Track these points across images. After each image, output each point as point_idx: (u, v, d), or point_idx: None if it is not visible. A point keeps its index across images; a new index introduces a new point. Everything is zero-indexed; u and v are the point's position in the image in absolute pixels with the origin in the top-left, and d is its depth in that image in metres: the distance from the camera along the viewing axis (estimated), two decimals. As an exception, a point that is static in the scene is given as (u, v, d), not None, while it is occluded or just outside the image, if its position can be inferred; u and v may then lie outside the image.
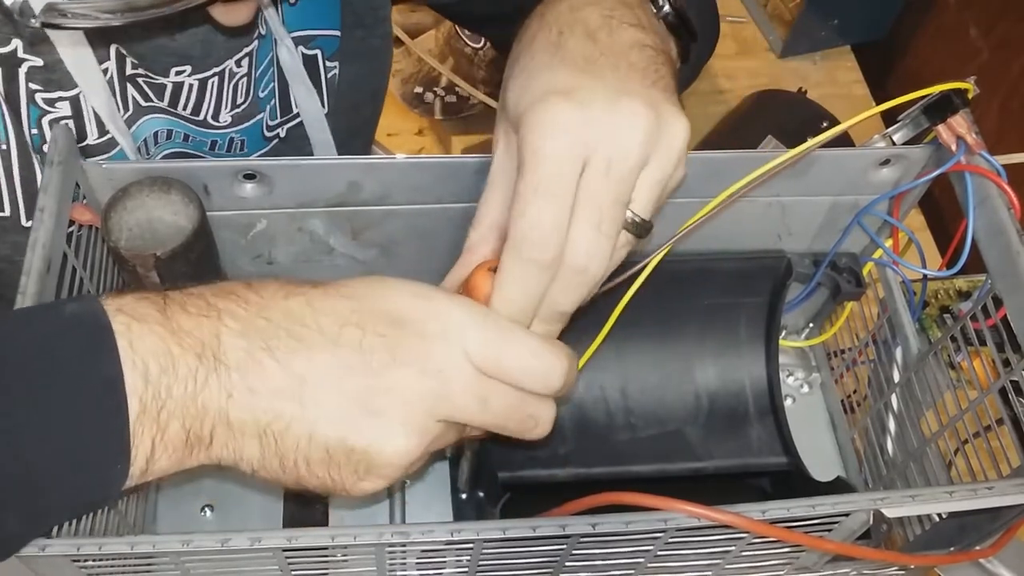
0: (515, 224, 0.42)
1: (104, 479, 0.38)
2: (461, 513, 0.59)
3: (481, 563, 0.46)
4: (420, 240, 0.60)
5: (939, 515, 0.51)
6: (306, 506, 0.61)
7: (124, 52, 0.56)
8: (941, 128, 0.54)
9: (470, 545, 0.44)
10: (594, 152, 0.42)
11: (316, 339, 0.40)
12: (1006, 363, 0.52)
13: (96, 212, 0.52)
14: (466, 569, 0.47)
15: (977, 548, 0.52)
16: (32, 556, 0.39)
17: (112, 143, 0.57)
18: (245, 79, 0.61)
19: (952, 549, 0.52)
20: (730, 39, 1.29)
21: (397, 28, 1.12)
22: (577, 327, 0.57)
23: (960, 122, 0.54)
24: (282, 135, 0.65)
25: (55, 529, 0.41)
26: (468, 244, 0.48)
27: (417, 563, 0.47)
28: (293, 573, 0.45)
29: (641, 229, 0.45)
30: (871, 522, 0.45)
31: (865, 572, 0.54)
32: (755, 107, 1.06)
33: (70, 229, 0.50)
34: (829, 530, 0.46)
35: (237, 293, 0.41)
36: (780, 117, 1.04)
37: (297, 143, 0.65)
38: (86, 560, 0.41)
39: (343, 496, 0.42)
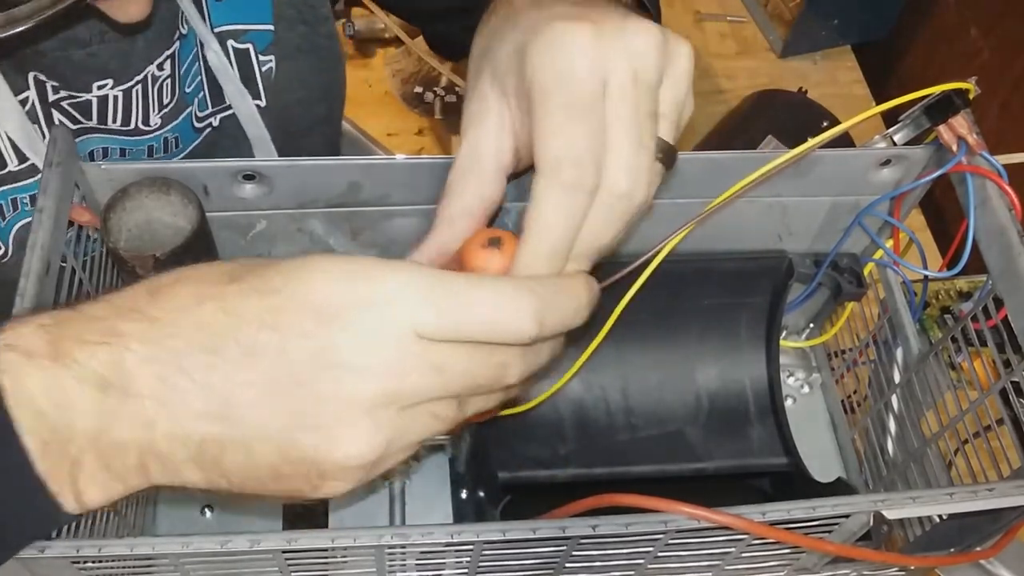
0: (548, 147, 0.40)
1: (31, 518, 0.37)
2: (461, 514, 0.59)
3: (481, 564, 0.46)
4: (420, 240, 0.60)
5: (939, 516, 0.51)
6: (306, 507, 0.60)
7: (44, 78, 0.55)
8: (942, 128, 0.54)
9: (470, 547, 0.44)
10: (616, 66, 0.40)
11: (232, 352, 0.36)
12: (1007, 364, 0.52)
13: (95, 213, 0.51)
14: (466, 570, 0.47)
15: (978, 549, 0.52)
16: (32, 558, 0.39)
17: (34, 170, 0.56)
18: (169, 80, 0.61)
19: (952, 550, 0.52)
20: (730, 39, 1.29)
21: (397, 28, 1.12)
22: (577, 327, 0.57)
23: (961, 122, 0.53)
24: (215, 124, 0.64)
25: (55, 531, 0.41)
26: (445, 217, 0.44)
27: (417, 564, 0.47)
28: (293, 574, 0.45)
29: (669, 156, 0.43)
30: (871, 523, 0.45)
31: (865, 573, 0.54)
32: (755, 107, 1.06)
33: (68, 233, 0.50)
34: (829, 531, 0.46)
35: (140, 310, 0.37)
36: (780, 117, 1.04)
37: (233, 132, 0.64)
38: (85, 562, 0.41)
39: (311, 500, 0.39)
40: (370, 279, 0.36)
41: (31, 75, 0.55)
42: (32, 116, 0.55)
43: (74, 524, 0.43)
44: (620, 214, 0.41)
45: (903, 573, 0.55)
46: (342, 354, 0.36)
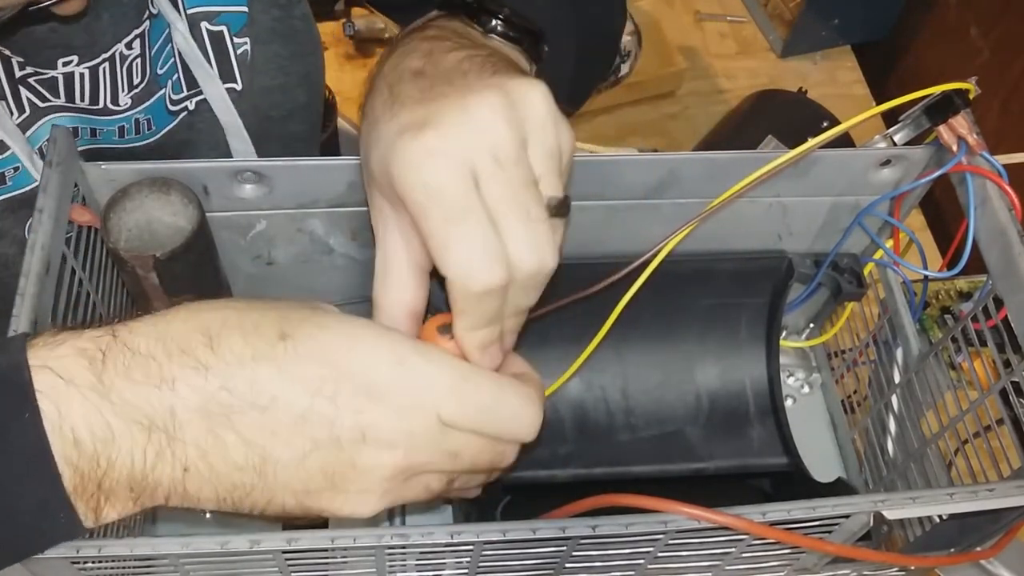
0: (447, 262, 0.40)
1: (56, 534, 0.38)
2: (461, 514, 0.59)
3: (481, 565, 0.46)
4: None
5: (939, 516, 0.51)
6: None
7: (8, 54, 0.55)
8: (942, 128, 0.54)
9: (470, 547, 0.44)
10: (475, 158, 0.40)
11: (283, 415, 0.38)
12: (1007, 364, 0.52)
13: (95, 213, 0.51)
14: (466, 571, 0.47)
15: (978, 549, 0.52)
16: (31, 558, 0.39)
17: (2, 146, 0.55)
18: (139, 60, 0.60)
19: (952, 550, 0.52)
20: (730, 39, 1.28)
21: (397, 28, 1.12)
22: (577, 327, 0.57)
23: (961, 122, 0.53)
24: (191, 107, 0.63)
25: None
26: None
27: (417, 565, 0.47)
28: (293, 575, 0.45)
29: (562, 208, 0.42)
30: (871, 523, 0.45)
31: (865, 573, 0.54)
32: (755, 107, 1.06)
33: (68, 233, 0.50)
34: (829, 531, 0.46)
35: (196, 354, 0.38)
36: (780, 117, 1.04)
37: (209, 116, 0.63)
38: (85, 562, 0.41)
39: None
40: (411, 367, 0.40)
41: None
42: None
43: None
44: (537, 286, 0.42)
45: (903, 573, 0.55)
46: (381, 431, 0.39)
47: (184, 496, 0.39)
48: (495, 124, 0.40)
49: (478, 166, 0.40)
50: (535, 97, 0.41)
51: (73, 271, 0.50)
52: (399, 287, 0.45)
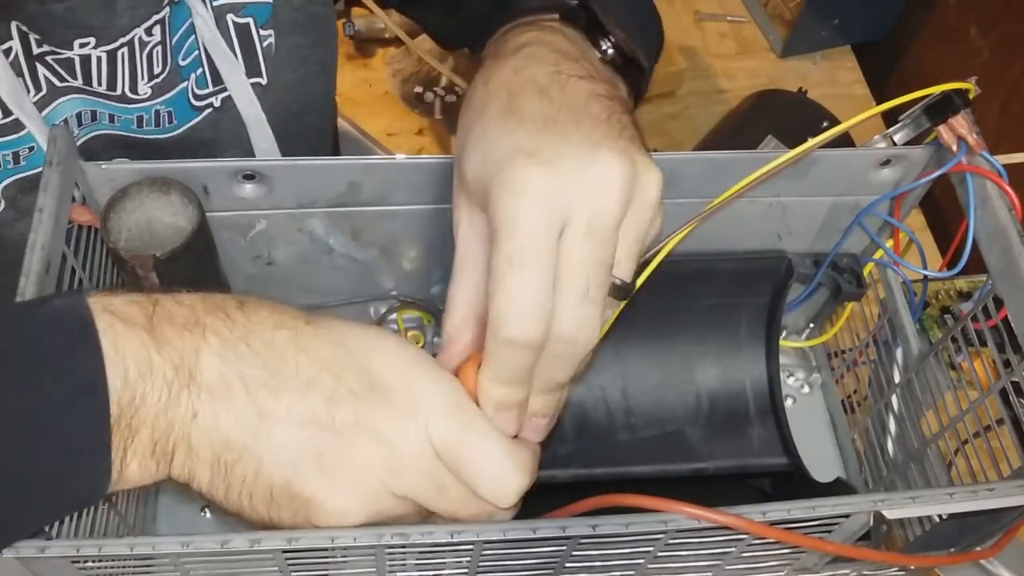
0: (493, 302, 0.39)
1: (89, 477, 0.38)
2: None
3: (481, 564, 0.46)
4: (420, 240, 0.60)
5: (939, 516, 0.51)
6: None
7: (26, 29, 0.54)
8: (942, 128, 0.54)
9: (470, 547, 0.44)
10: (572, 213, 0.39)
11: (289, 378, 0.40)
12: (1007, 364, 0.52)
13: (95, 213, 0.51)
14: (466, 570, 0.47)
15: (977, 549, 0.52)
16: (31, 558, 0.39)
17: (18, 125, 0.55)
18: (160, 48, 0.60)
19: (952, 550, 0.52)
20: (730, 39, 1.28)
21: (397, 28, 1.12)
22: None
23: (961, 122, 0.53)
24: (216, 104, 0.63)
25: (55, 530, 0.41)
26: (446, 337, 0.45)
27: (417, 564, 0.47)
28: (293, 574, 0.45)
29: (624, 292, 0.42)
30: (871, 523, 0.45)
31: (865, 573, 0.54)
32: (755, 107, 1.06)
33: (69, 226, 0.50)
34: (829, 531, 0.46)
35: (227, 311, 0.40)
36: (780, 117, 1.04)
37: (235, 114, 0.63)
38: (86, 562, 0.41)
39: None
40: (418, 374, 0.41)
41: (13, 24, 0.54)
42: (16, 68, 0.54)
43: (74, 524, 0.44)
44: (570, 359, 0.41)
45: (903, 573, 0.55)
46: (378, 422, 0.40)
47: (187, 453, 0.39)
48: (609, 193, 0.40)
49: (571, 223, 0.39)
50: (653, 182, 0.41)
51: (73, 271, 0.50)
52: (467, 288, 0.45)
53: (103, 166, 0.52)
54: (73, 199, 0.50)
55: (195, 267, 0.53)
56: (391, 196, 0.57)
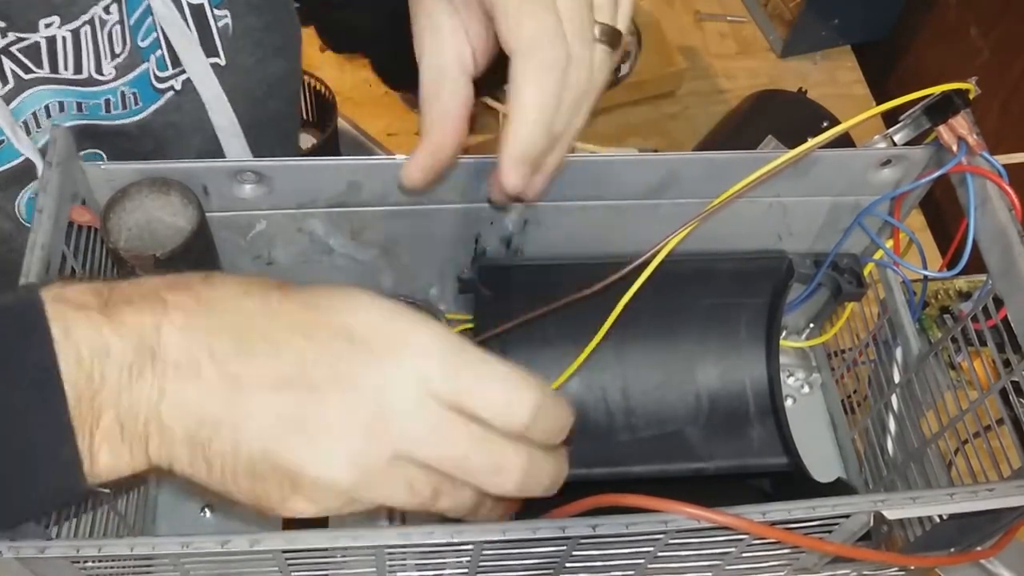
0: (521, 30, 0.44)
1: (56, 462, 0.37)
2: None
3: (481, 564, 0.46)
4: (420, 240, 0.60)
5: (939, 516, 0.51)
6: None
7: None
8: (942, 129, 0.54)
9: (470, 547, 0.44)
10: None
11: (260, 345, 0.38)
12: (1006, 364, 0.52)
13: (95, 213, 0.51)
14: (466, 570, 0.47)
15: (978, 549, 0.52)
16: (31, 558, 0.39)
17: None
18: (119, 26, 0.59)
19: (952, 550, 0.52)
20: (730, 39, 1.28)
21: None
22: (577, 327, 0.57)
23: (961, 123, 0.53)
24: (177, 88, 0.62)
25: (55, 530, 0.41)
26: (431, 119, 0.48)
27: (417, 564, 0.47)
28: (293, 574, 0.45)
29: (611, 36, 0.47)
30: (871, 523, 0.45)
31: (865, 573, 0.54)
32: (755, 107, 1.06)
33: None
34: (829, 531, 0.46)
35: (191, 287, 0.39)
36: (780, 117, 1.03)
37: (194, 97, 0.62)
38: (85, 562, 0.41)
39: (274, 515, 0.39)
40: (399, 320, 0.39)
41: None
42: None
43: (74, 524, 0.43)
44: (588, 97, 0.47)
45: (903, 573, 0.55)
46: (357, 378, 0.38)
47: (161, 434, 0.38)
48: None
49: None
50: None
51: (73, 271, 0.50)
52: (452, 84, 0.48)
53: (103, 166, 0.52)
54: (73, 199, 0.50)
55: (195, 267, 0.52)
56: (391, 196, 0.57)
